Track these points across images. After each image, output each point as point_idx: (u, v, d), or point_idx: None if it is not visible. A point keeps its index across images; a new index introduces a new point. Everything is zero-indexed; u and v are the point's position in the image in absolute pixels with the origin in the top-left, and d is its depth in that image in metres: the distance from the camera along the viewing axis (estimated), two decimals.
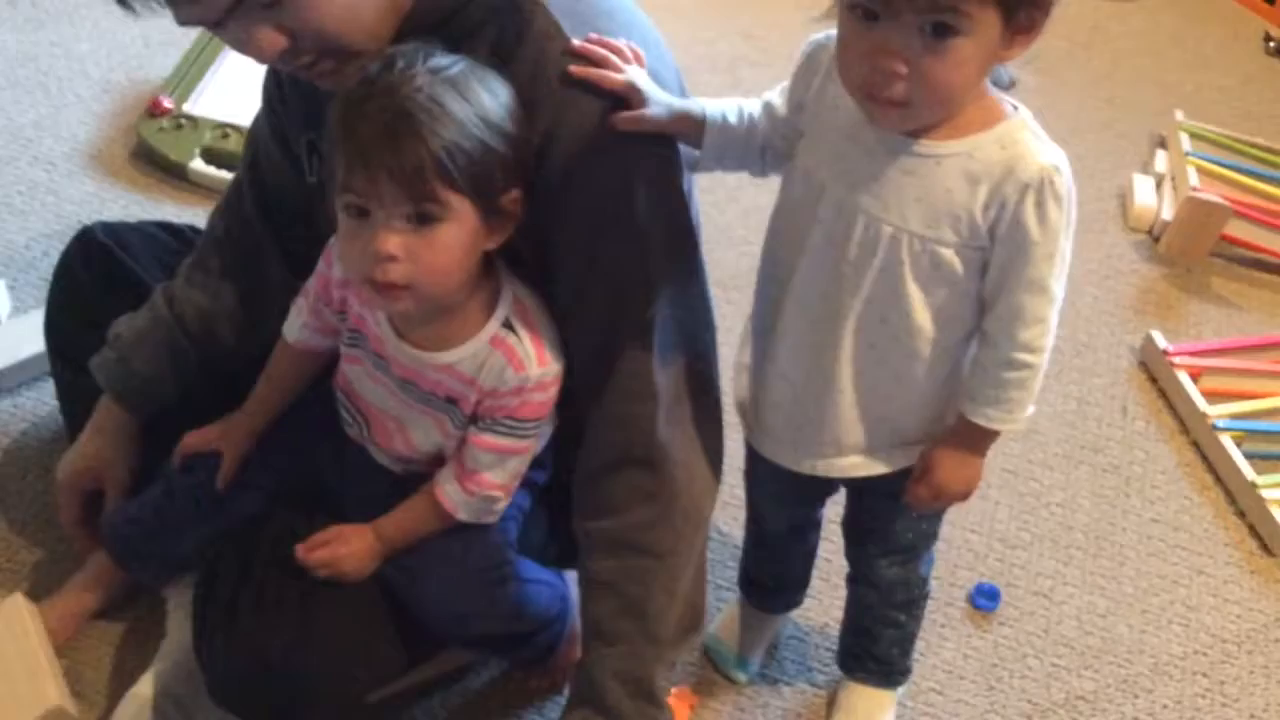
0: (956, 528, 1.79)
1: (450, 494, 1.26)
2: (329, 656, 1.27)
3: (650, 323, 1.21)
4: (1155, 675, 1.66)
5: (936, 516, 1.39)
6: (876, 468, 1.28)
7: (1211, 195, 2.30)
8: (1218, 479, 1.93)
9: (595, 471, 1.25)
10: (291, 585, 1.29)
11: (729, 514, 1.67)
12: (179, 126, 2.19)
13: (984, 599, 1.71)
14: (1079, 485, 1.91)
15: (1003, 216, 1.11)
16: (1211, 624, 1.74)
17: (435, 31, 1.16)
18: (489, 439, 1.25)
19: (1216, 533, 1.87)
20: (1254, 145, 2.56)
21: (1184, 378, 2.03)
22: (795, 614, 1.62)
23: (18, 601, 1.42)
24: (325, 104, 1.15)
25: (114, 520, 1.42)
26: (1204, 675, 1.68)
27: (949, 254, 1.13)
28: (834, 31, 1.09)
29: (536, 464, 1.32)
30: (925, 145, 1.11)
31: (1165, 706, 1.63)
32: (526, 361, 1.22)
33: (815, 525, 1.51)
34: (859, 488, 1.36)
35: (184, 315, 1.45)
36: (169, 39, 2.41)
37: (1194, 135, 2.53)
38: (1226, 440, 1.93)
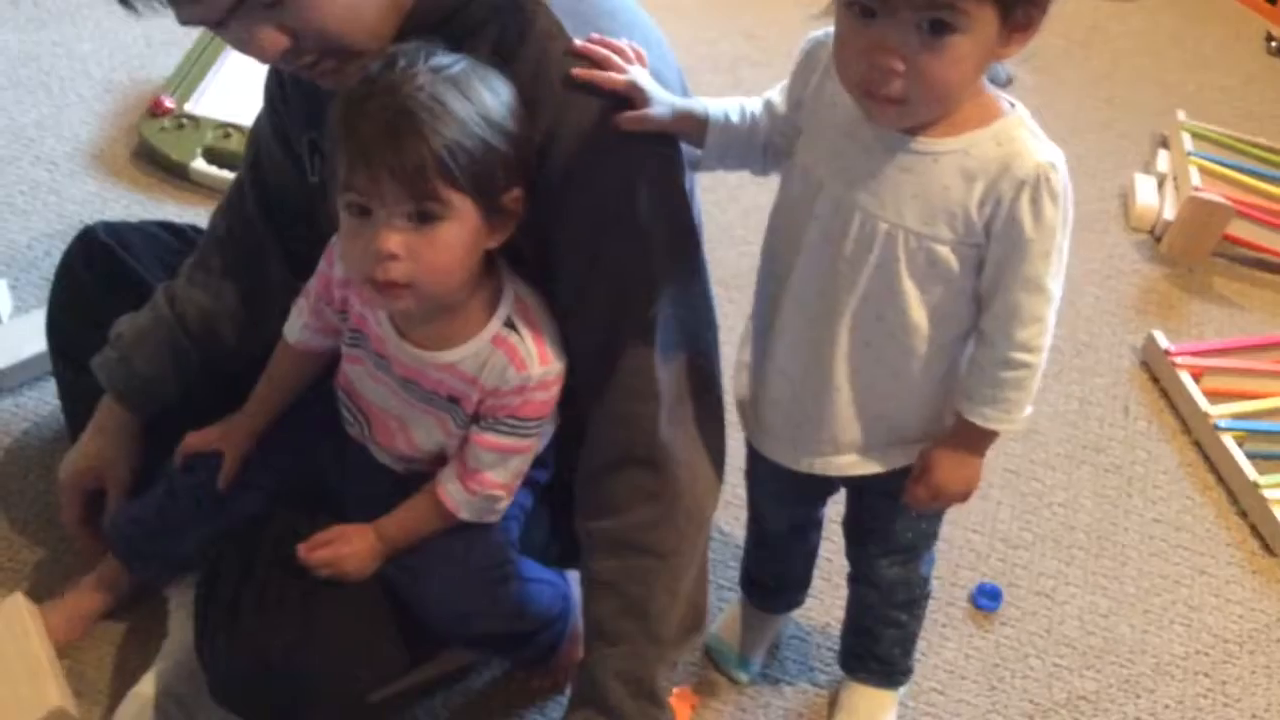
0: (958, 528, 1.79)
1: (452, 493, 1.26)
2: (331, 656, 1.27)
3: (652, 322, 1.21)
4: (1157, 675, 1.66)
5: (936, 516, 1.39)
6: (872, 466, 1.28)
7: (1213, 195, 2.30)
8: (1219, 479, 1.93)
9: (597, 471, 1.25)
10: (293, 585, 1.29)
11: (730, 514, 1.67)
12: (180, 126, 2.19)
13: (986, 599, 1.71)
14: (1081, 485, 1.91)
15: (998, 213, 1.11)
16: (1213, 624, 1.74)
17: (437, 31, 1.16)
18: (491, 438, 1.25)
19: (1218, 533, 1.86)
20: (1256, 145, 2.55)
21: (1186, 378, 2.03)
22: (797, 614, 1.62)
23: (18, 601, 1.42)
24: (327, 103, 1.15)
25: (117, 520, 1.43)
26: (1206, 675, 1.67)
27: (945, 251, 1.13)
28: (833, 29, 1.09)
29: (538, 463, 1.32)
30: (922, 142, 1.11)
31: (1167, 707, 1.63)
32: (528, 360, 1.22)
33: (816, 525, 1.51)
34: (859, 487, 1.36)
35: (185, 315, 1.45)
36: (171, 39, 2.41)
37: (1196, 135, 2.52)
38: (1228, 440, 1.93)
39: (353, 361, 1.31)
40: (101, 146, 2.21)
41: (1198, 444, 1.98)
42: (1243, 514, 1.89)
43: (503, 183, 1.14)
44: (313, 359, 1.35)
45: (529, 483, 1.32)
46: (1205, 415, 1.96)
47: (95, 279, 1.53)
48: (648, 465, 1.22)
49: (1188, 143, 2.48)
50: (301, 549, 1.28)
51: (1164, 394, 2.06)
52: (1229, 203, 2.29)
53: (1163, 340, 2.09)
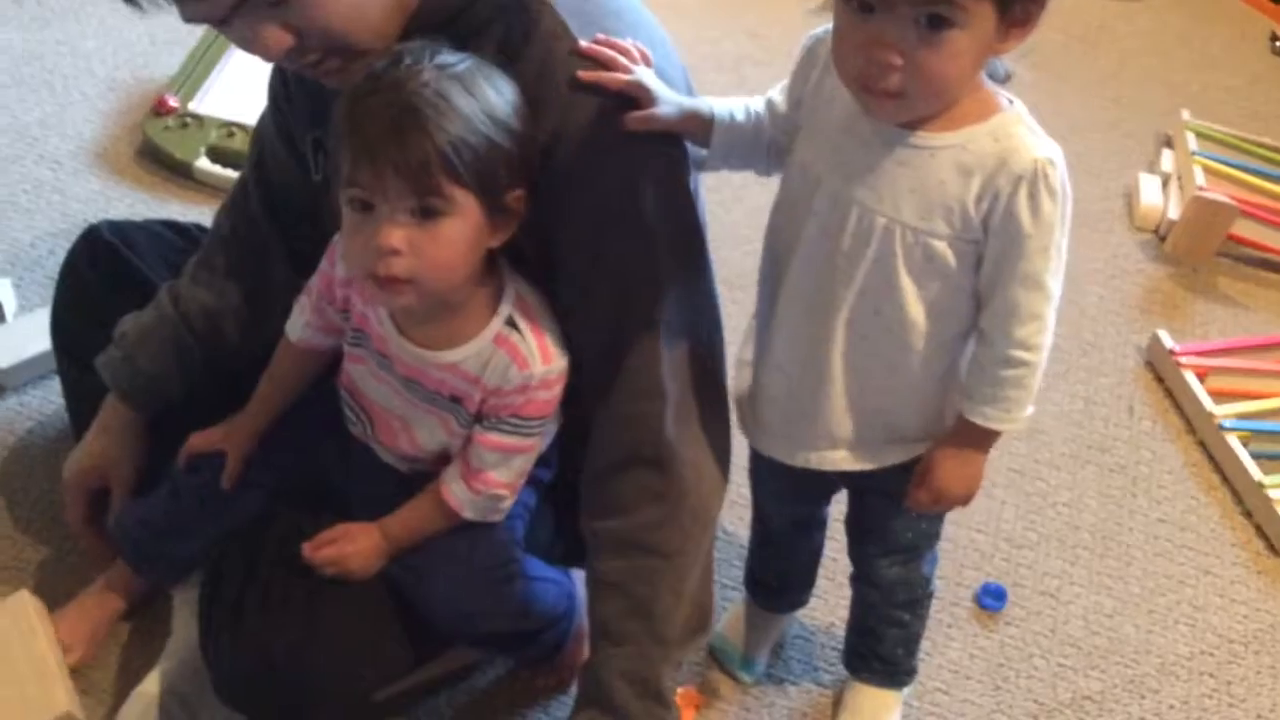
0: (962, 527, 1.79)
1: (456, 492, 1.26)
2: (335, 655, 1.27)
3: (658, 321, 1.20)
4: (1162, 675, 1.66)
5: (938, 517, 1.38)
6: (867, 463, 1.28)
7: (1218, 195, 2.30)
8: (1224, 479, 1.93)
9: (603, 471, 1.24)
10: (298, 584, 1.29)
11: (734, 514, 1.67)
12: (184, 125, 2.19)
13: (990, 599, 1.70)
14: (1085, 485, 1.90)
15: (995, 208, 1.10)
16: (1218, 624, 1.74)
17: (442, 30, 1.16)
18: (494, 437, 1.25)
19: (1223, 533, 1.86)
20: (1261, 145, 2.55)
21: (1190, 377, 2.02)
22: (801, 614, 1.62)
23: (24, 599, 1.41)
24: (331, 102, 1.15)
25: (124, 522, 1.42)
26: (1211, 675, 1.67)
27: (942, 246, 1.13)
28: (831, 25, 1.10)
29: (542, 462, 1.31)
30: (920, 137, 1.11)
31: (1172, 707, 1.63)
32: (530, 359, 1.21)
33: (820, 524, 1.51)
34: (858, 486, 1.36)
35: (189, 313, 1.45)
36: (174, 37, 2.41)
37: (1200, 135, 2.52)
38: (1233, 440, 1.92)
39: (355, 361, 1.31)
40: (105, 145, 2.21)
41: (1202, 444, 1.98)
42: (1248, 514, 1.88)
43: (506, 181, 1.14)
44: (315, 357, 1.35)
45: (533, 481, 1.32)
46: (1210, 415, 1.96)
47: (99, 278, 1.53)
48: (653, 465, 1.22)
49: (1192, 142, 2.48)
50: (306, 548, 1.28)
51: (1169, 394, 2.06)
52: (1234, 202, 2.28)
53: (1167, 340, 2.09)
